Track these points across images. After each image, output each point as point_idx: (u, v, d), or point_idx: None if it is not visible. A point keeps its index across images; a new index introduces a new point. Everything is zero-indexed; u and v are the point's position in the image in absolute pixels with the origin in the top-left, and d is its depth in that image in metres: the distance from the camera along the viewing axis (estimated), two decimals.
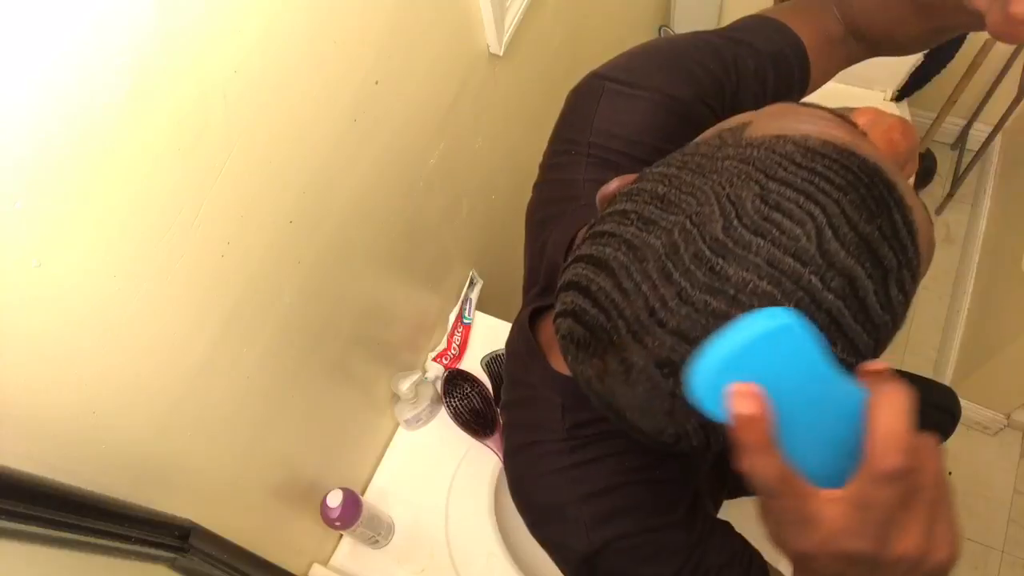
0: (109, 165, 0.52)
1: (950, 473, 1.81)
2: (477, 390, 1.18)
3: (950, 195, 2.12)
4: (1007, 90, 1.89)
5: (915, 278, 0.39)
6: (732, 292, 0.35)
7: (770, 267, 0.35)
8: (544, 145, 0.69)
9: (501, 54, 1.05)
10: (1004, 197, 2.01)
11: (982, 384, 1.75)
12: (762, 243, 0.35)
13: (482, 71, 1.06)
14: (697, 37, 0.66)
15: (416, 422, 1.18)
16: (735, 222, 0.36)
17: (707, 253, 0.36)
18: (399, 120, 0.89)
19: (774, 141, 0.39)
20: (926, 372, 1.93)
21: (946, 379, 1.86)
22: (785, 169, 0.37)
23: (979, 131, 2.09)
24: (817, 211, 0.36)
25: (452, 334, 1.26)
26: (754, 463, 0.34)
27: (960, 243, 2.10)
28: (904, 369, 1.18)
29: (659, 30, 2.02)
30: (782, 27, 0.66)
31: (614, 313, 0.38)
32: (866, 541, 0.35)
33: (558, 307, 0.43)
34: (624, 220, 0.40)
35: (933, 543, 0.35)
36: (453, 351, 1.24)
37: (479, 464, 1.15)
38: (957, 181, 2.10)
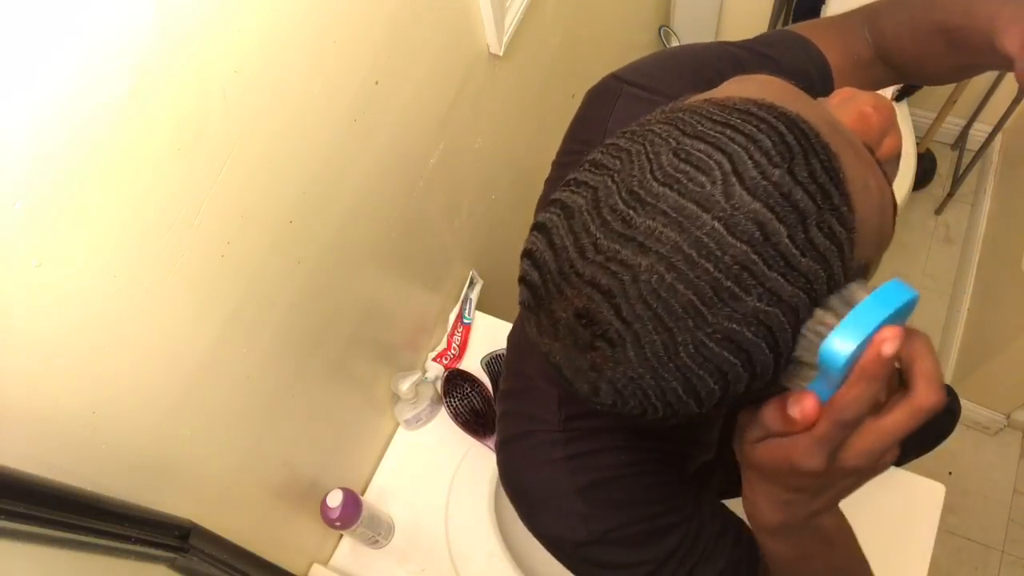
0: (109, 165, 0.52)
1: (950, 473, 1.81)
2: (477, 390, 1.18)
3: (950, 195, 2.12)
4: (1007, 90, 1.89)
5: (848, 228, 0.38)
6: (640, 240, 0.36)
7: (675, 213, 0.36)
8: (544, 144, 0.69)
9: (501, 54, 1.05)
10: (1004, 197, 2.01)
11: (982, 384, 1.75)
12: (668, 192, 0.36)
13: (482, 71, 1.06)
14: (720, 47, 0.67)
15: (416, 422, 1.18)
16: (648, 176, 0.37)
17: (621, 206, 0.37)
18: (399, 120, 0.89)
19: (699, 103, 0.41)
20: None
21: (946, 379, 1.86)
22: (701, 125, 0.38)
23: (979, 131, 2.09)
24: (723, 159, 0.36)
25: (452, 334, 1.26)
26: (867, 392, 0.38)
27: (960, 243, 2.10)
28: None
29: (659, 30, 2.02)
30: (809, 45, 0.66)
31: (544, 270, 0.40)
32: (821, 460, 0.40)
33: (519, 276, 0.45)
34: (565, 186, 0.42)
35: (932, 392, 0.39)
36: (453, 351, 1.24)
37: (479, 464, 1.15)
38: (957, 181, 2.10)
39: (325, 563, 1.09)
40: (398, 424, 1.20)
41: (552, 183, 0.69)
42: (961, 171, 2.11)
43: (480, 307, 1.29)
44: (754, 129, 0.37)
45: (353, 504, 0.99)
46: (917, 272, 2.08)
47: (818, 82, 0.66)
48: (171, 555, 0.67)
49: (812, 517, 0.47)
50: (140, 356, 0.62)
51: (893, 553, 1.02)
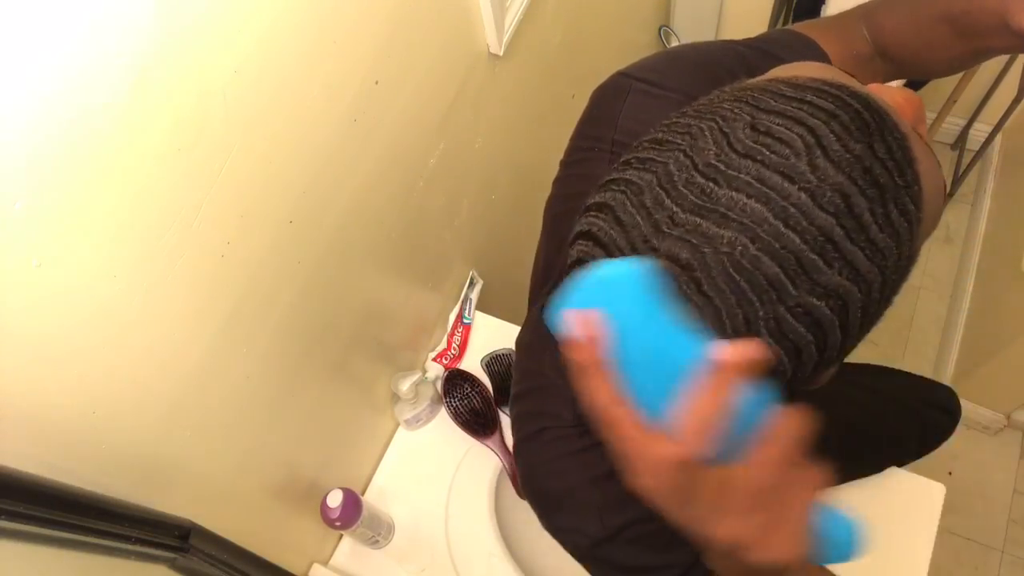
0: (109, 165, 0.52)
1: (950, 473, 1.81)
2: (477, 390, 1.18)
3: (950, 195, 2.12)
4: (1007, 90, 1.89)
5: (918, 206, 0.38)
6: (722, 211, 0.36)
7: (760, 184, 0.35)
8: (544, 144, 0.69)
9: (501, 54, 1.05)
10: (1004, 197, 2.01)
11: (982, 384, 1.75)
12: (751, 164, 0.36)
13: (482, 71, 1.06)
14: (725, 45, 0.67)
15: (416, 422, 1.18)
16: (726, 148, 0.37)
17: (698, 178, 0.37)
18: (399, 120, 0.89)
19: (767, 82, 0.40)
20: (926, 372, 1.92)
21: (946, 379, 1.86)
22: (776, 100, 0.38)
23: (979, 131, 2.09)
24: (805, 132, 0.36)
25: (452, 334, 1.26)
26: (587, 384, 0.36)
27: (960, 243, 2.10)
28: (904, 369, 1.18)
29: (659, 30, 2.02)
30: (810, 43, 0.67)
31: (613, 247, 0.39)
32: (687, 508, 0.36)
33: (570, 261, 0.44)
34: (625, 166, 0.41)
35: (763, 536, 0.35)
36: (453, 351, 1.24)
37: (479, 464, 1.15)
38: (957, 181, 2.10)
39: (325, 563, 1.09)
40: (398, 424, 1.20)
41: (562, 183, 0.68)
42: (961, 171, 2.11)
43: (480, 307, 1.29)
44: (830, 105, 0.37)
45: (353, 504, 0.99)
46: (917, 272, 2.07)
47: None
48: (171, 555, 0.67)
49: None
50: (140, 356, 0.62)
51: (893, 553, 1.02)
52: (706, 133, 0.38)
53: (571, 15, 1.33)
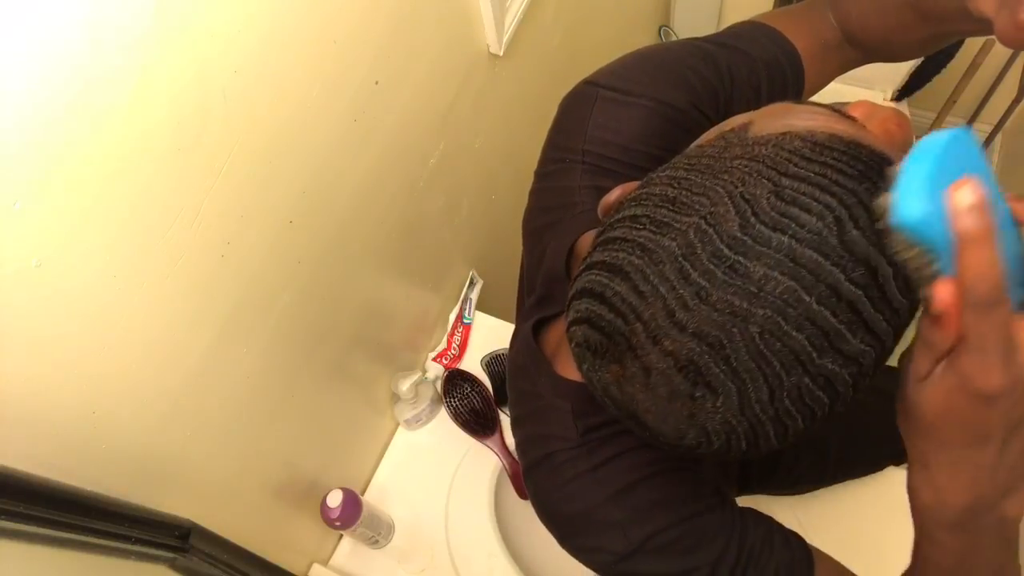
0: (109, 165, 0.52)
1: None
2: (477, 390, 1.18)
3: None
4: (1007, 90, 1.89)
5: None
6: (753, 289, 0.35)
7: (791, 262, 0.35)
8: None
9: (501, 54, 1.05)
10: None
11: None
12: (783, 238, 0.35)
13: (482, 71, 1.06)
14: (690, 44, 0.66)
15: (416, 422, 1.18)
16: (752, 219, 0.36)
17: (726, 251, 0.36)
18: (399, 120, 0.89)
19: (781, 138, 0.39)
20: None
21: None
22: (796, 165, 0.37)
23: (979, 131, 2.09)
24: (834, 202, 0.35)
25: (452, 334, 1.26)
26: (981, 258, 0.32)
27: None
28: None
29: (659, 30, 2.02)
30: (776, 34, 0.66)
31: (632, 317, 0.38)
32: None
33: (571, 315, 0.43)
34: (635, 225, 0.40)
35: None
36: (453, 351, 1.24)
37: (479, 464, 1.15)
38: None
39: (325, 563, 1.09)
40: (398, 424, 1.20)
41: (537, 195, 0.68)
42: None
43: (480, 307, 1.29)
44: (853, 170, 0.37)
45: (353, 504, 0.99)
46: None
47: (789, 70, 0.65)
48: (171, 555, 0.67)
49: (1002, 497, 0.40)
50: (140, 356, 0.61)
51: (893, 553, 1.02)
52: (726, 200, 0.37)
53: (571, 15, 1.33)
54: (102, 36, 0.48)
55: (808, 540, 0.59)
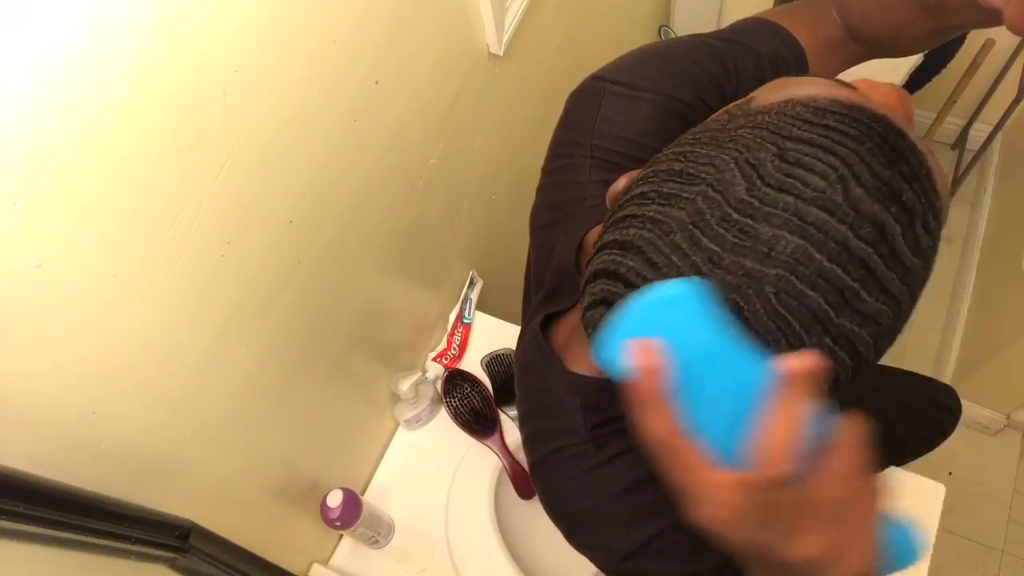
0: (109, 165, 0.52)
1: (950, 473, 1.81)
2: (477, 390, 1.18)
3: (950, 195, 2.12)
4: (1007, 90, 1.89)
5: (940, 222, 0.39)
6: (765, 250, 0.35)
7: (799, 220, 0.35)
8: (545, 144, 0.69)
9: (501, 54, 1.05)
10: (1004, 197, 2.01)
11: (982, 384, 1.75)
12: (789, 199, 0.35)
13: (482, 71, 1.06)
14: (696, 39, 0.66)
15: (416, 422, 1.18)
16: (758, 182, 0.36)
17: (734, 215, 0.36)
18: (399, 120, 0.89)
19: (783, 105, 0.40)
20: (926, 372, 1.92)
21: (946, 379, 1.86)
22: (799, 128, 0.38)
23: (979, 131, 2.09)
24: (837, 162, 0.36)
25: (452, 334, 1.26)
26: (644, 418, 0.35)
27: (960, 243, 2.10)
28: (904, 369, 1.17)
29: (659, 30, 2.02)
30: (780, 30, 0.66)
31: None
32: (761, 533, 0.35)
33: (586, 300, 0.43)
34: (644, 201, 0.40)
35: (840, 551, 0.35)
36: (453, 351, 1.24)
37: (479, 464, 1.15)
38: (957, 181, 2.10)
39: (325, 563, 1.09)
40: (398, 424, 1.20)
41: (545, 191, 0.68)
42: (961, 171, 2.11)
43: (480, 307, 1.29)
44: (855, 131, 0.37)
45: (353, 504, 0.99)
46: None
47: (793, 65, 0.66)
48: (171, 555, 0.67)
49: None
50: (140, 356, 0.61)
51: None
52: (732, 165, 0.38)
53: (571, 15, 1.33)
54: (102, 35, 0.48)
55: None
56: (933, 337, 2.02)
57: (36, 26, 0.44)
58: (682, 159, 0.40)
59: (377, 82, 0.81)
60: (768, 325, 0.36)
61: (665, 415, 0.35)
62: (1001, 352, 1.63)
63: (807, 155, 0.36)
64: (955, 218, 2.15)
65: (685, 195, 0.38)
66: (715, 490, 0.35)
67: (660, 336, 0.34)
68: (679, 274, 0.37)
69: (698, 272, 0.36)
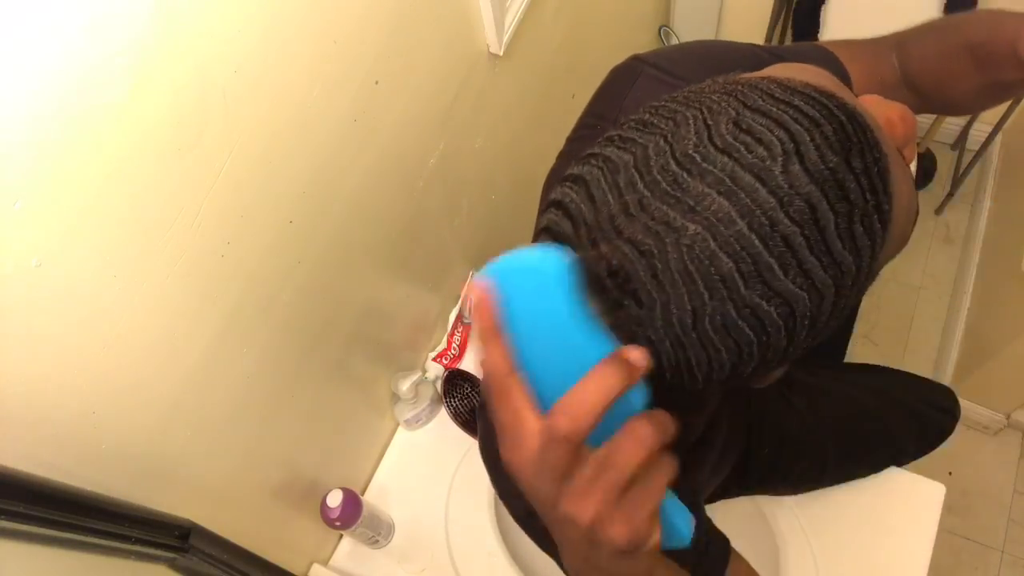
0: (109, 165, 0.52)
1: (950, 473, 1.81)
2: (477, 390, 1.18)
3: (950, 195, 2.12)
4: None
5: (884, 227, 0.39)
6: (691, 203, 0.36)
7: (731, 183, 0.36)
8: (545, 144, 0.69)
9: (501, 54, 1.05)
10: (1004, 197, 2.01)
11: (982, 384, 1.75)
12: (727, 160, 0.36)
13: (482, 71, 1.06)
14: (747, 46, 0.68)
15: (416, 422, 1.18)
16: (706, 141, 0.37)
17: (673, 166, 0.37)
18: (399, 120, 0.89)
19: (759, 80, 0.40)
20: (926, 372, 1.92)
21: (946, 379, 1.86)
22: (763, 100, 0.38)
23: (979, 131, 2.09)
24: (786, 136, 0.36)
25: (452, 334, 1.26)
26: (484, 351, 0.37)
27: (960, 243, 2.10)
28: (904, 369, 1.17)
29: (659, 30, 2.02)
30: (832, 58, 0.67)
31: (580, 221, 0.39)
32: (541, 483, 0.37)
33: (537, 228, 0.44)
34: (608, 142, 0.41)
35: (608, 518, 0.36)
36: (453, 351, 1.24)
37: (479, 464, 1.14)
38: (957, 181, 2.10)
39: (325, 563, 1.09)
40: (398, 424, 1.20)
41: (565, 157, 0.69)
42: (961, 171, 2.11)
43: None
44: (816, 113, 0.37)
45: (353, 504, 0.99)
46: (917, 272, 2.08)
47: None
48: (171, 555, 0.67)
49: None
50: (140, 356, 0.62)
51: (893, 553, 1.02)
52: (690, 122, 0.38)
53: (571, 15, 1.33)
54: (102, 35, 0.48)
55: (808, 540, 0.59)
56: (933, 337, 2.02)
57: (37, 26, 0.44)
58: (653, 111, 0.41)
59: (377, 82, 0.81)
60: (673, 278, 0.36)
61: (501, 351, 0.37)
62: (1001, 352, 1.63)
63: (760, 125, 0.37)
64: (955, 218, 2.15)
65: (640, 141, 0.39)
66: (527, 434, 0.36)
67: (516, 292, 0.37)
68: (608, 212, 0.38)
69: (625, 212, 0.37)
